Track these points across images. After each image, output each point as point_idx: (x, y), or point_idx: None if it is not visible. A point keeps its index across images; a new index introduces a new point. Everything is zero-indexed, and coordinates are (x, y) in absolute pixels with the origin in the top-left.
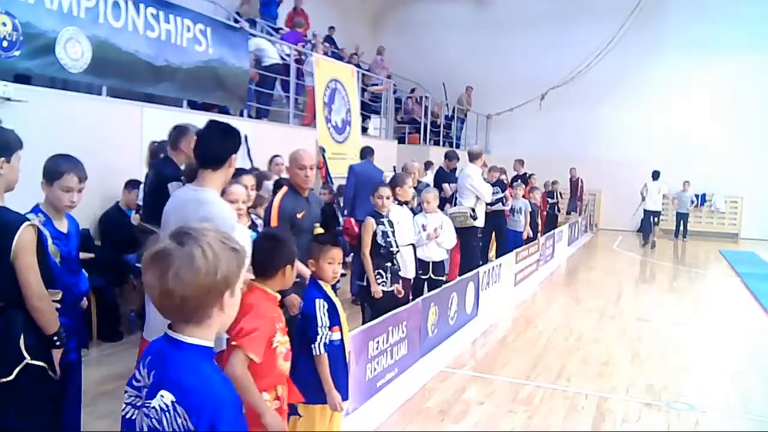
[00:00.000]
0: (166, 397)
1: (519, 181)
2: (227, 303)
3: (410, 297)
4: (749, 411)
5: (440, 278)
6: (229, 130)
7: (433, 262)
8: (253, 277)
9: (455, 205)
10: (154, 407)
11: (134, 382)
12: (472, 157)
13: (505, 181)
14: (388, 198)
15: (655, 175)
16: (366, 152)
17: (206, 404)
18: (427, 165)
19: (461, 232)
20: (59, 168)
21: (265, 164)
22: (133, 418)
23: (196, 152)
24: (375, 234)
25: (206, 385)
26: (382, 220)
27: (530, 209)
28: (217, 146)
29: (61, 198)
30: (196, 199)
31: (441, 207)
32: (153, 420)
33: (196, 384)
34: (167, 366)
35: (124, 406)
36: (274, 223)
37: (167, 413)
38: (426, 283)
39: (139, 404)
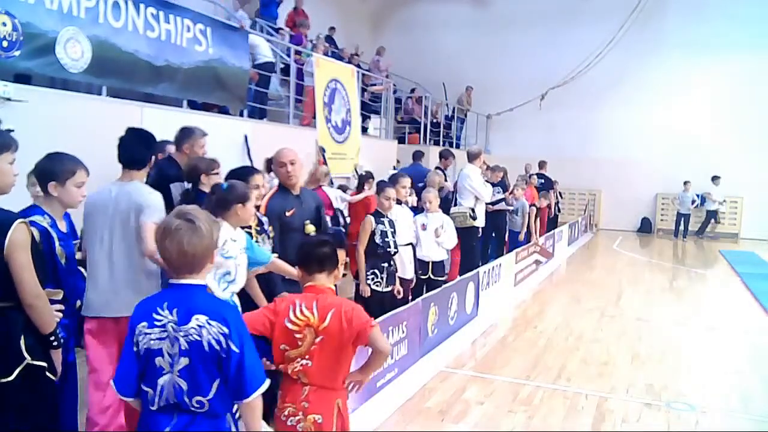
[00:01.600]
0: (201, 318)
1: (525, 182)
2: (215, 256)
3: (410, 297)
4: (749, 411)
5: (440, 278)
6: (147, 135)
7: (432, 262)
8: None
9: (455, 204)
10: (192, 327)
11: (155, 323)
12: (471, 157)
13: (507, 182)
14: (393, 199)
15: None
16: (417, 156)
17: (229, 314)
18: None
19: (461, 232)
20: (69, 166)
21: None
22: (159, 347)
23: (120, 155)
24: (373, 233)
25: (223, 304)
26: (382, 219)
27: (528, 210)
28: (140, 152)
29: (75, 195)
30: (126, 191)
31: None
32: (192, 336)
33: (217, 304)
34: (192, 300)
35: (145, 342)
36: None
37: (204, 328)
38: (426, 284)
39: (164, 336)
